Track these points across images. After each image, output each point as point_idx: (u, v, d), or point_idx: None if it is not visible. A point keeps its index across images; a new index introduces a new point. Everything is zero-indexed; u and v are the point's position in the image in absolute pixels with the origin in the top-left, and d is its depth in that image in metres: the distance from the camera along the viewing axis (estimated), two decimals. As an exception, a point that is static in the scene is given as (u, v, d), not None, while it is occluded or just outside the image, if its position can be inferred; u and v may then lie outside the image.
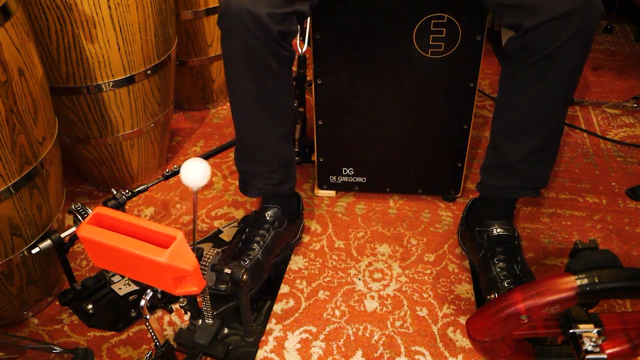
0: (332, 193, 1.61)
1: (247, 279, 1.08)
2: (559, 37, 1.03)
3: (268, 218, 1.33)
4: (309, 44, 1.41)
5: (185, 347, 1.17)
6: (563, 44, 1.03)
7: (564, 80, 1.10)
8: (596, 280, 0.78)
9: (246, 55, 1.12)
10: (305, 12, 1.18)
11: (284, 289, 1.35)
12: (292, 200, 1.41)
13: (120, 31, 1.36)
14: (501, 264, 1.22)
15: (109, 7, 1.31)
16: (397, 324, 1.25)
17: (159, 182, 1.46)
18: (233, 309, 1.22)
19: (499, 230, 1.28)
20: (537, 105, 1.13)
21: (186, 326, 1.22)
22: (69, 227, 1.20)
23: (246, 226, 1.34)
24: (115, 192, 1.28)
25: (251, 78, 1.16)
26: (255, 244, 1.29)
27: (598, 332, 0.85)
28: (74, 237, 1.20)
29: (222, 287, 1.19)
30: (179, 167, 1.46)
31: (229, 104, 1.53)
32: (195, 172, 0.99)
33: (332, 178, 1.57)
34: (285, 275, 1.38)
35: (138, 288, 1.23)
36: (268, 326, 1.26)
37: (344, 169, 1.55)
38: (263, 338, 1.23)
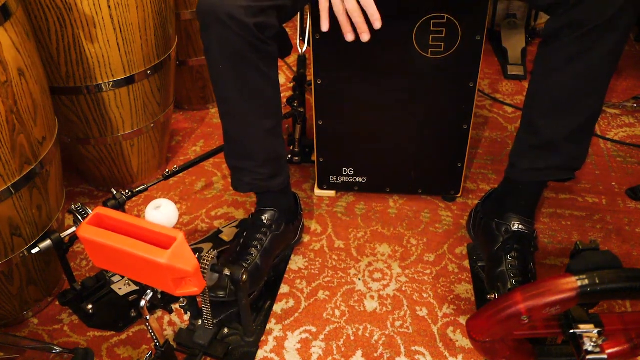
0: (332, 193, 1.61)
1: (247, 279, 1.08)
2: (608, 10, 1.02)
3: (265, 221, 1.32)
4: (309, 44, 1.41)
5: (185, 347, 1.17)
6: (612, 16, 1.02)
7: (611, 51, 1.08)
8: (597, 281, 0.78)
9: (223, 49, 1.12)
10: (287, 6, 1.17)
11: (284, 289, 1.35)
12: (288, 200, 1.40)
13: (120, 31, 1.36)
14: (514, 261, 1.22)
15: (109, 7, 1.31)
16: (397, 324, 1.25)
17: (159, 182, 1.46)
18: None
19: (520, 226, 1.27)
20: (583, 80, 1.12)
21: (186, 326, 1.22)
22: (69, 227, 1.20)
23: (244, 230, 1.34)
24: (115, 192, 1.28)
25: (231, 71, 1.16)
26: (254, 249, 1.28)
27: (598, 333, 0.85)
28: (74, 237, 1.20)
29: (221, 293, 1.20)
30: (178, 168, 1.47)
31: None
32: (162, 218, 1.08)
33: (332, 178, 1.57)
34: (285, 275, 1.38)
35: (138, 288, 1.24)
36: (268, 326, 1.26)
37: (344, 169, 1.54)
38: (263, 338, 1.23)
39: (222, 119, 1.26)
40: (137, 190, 1.35)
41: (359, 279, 1.36)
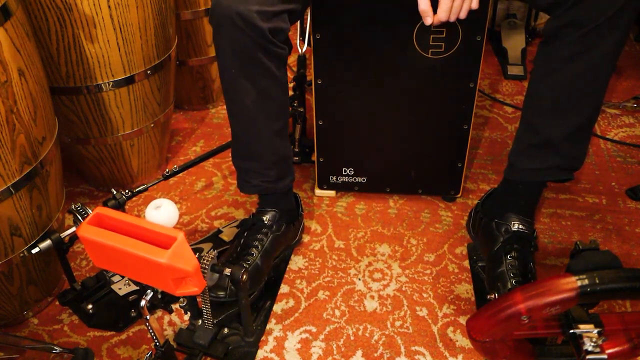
0: (332, 193, 1.61)
1: (247, 279, 1.08)
2: (608, 9, 1.02)
3: (266, 222, 1.33)
4: (309, 44, 1.41)
5: (185, 347, 1.17)
6: (612, 15, 1.03)
7: (611, 51, 1.09)
8: (597, 281, 0.78)
9: (236, 52, 1.13)
10: (298, 10, 1.18)
11: (284, 289, 1.35)
12: (290, 201, 1.40)
13: (120, 31, 1.36)
14: (514, 261, 1.22)
15: (109, 7, 1.31)
16: (397, 324, 1.25)
17: (159, 182, 1.46)
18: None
19: (520, 226, 1.27)
20: (583, 79, 1.12)
21: (186, 326, 1.22)
22: (69, 227, 1.20)
23: (244, 230, 1.34)
24: (115, 192, 1.28)
25: (242, 74, 1.16)
26: (254, 249, 1.29)
27: (598, 333, 0.85)
28: (74, 237, 1.20)
29: (221, 293, 1.20)
30: (178, 168, 1.47)
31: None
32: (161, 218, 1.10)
33: (332, 178, 1.57)
34: (285, 275, 1.38)
35: (138, 288, 1.24)
36: (268, 326, 1.26)
37: (344, 169, 1.54)
38: (263, 338, 1.23)
39: (230, 120, 1.26)
40: (137, 190, 1.35)
41: (359, 279, 1.36)
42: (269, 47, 1.13)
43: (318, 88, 1.40)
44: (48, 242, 1.17)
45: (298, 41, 1.72)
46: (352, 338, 1.23)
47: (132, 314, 1.26)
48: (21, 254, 1.18)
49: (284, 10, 1.13)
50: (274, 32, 1.12)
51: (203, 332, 1.17)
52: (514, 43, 2.23)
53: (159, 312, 1.29)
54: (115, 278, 1.26)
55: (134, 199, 1.52)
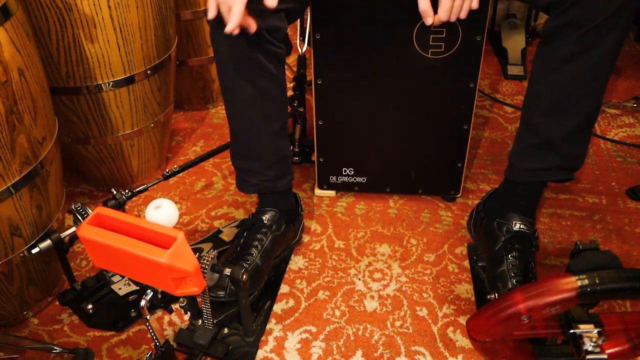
0: (332, 193, 1.61)
1: (247, 279, 1.08)
2: (607, 9, 1.02)
3: (266, 222, 1.33)
4: (309, 44, 1.41)
5: (185, 347, 1.18)
6: (611, 15, 1.03)
7: (610, 51, 1.09)
8: (597, 281, 0.78)
9: (233, 52, 1.13)
10: (296, 9, 1.18)
11: (284, 289, 1.35)
12: (290, 201, 1.40)
13: (120, 31, 1.36)
14: (515, 261, 1.22)
15: (109, 7, 1.31)
16: (397, 324, 1.25)
17: (159, 182, 1.46)
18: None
19: (521, 226, 1.27)
20: (583, 79, 1.12)
21: (186, 326, 1.22)
22: (69, 227, 1.20)
23: (244, 230, 1.34)
24: (115, 192, 1.28)
25: (240, 74, 1.16)
26: (254, 249, 1.29)
27: (598, 333, 0.85)
28: (74, 237, 1.20)
29: (221, 293, 1.20)
30: (178, 168, 1.47)
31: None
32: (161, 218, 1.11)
33: (332, 178, 1.57)
34: (285, 275, 1.38)
35: (138, 288, 1.24)
36: (268, 326, 1.26)
37: (344, 169, 1.54)
38: (263, 338, 1.23)
39: (229, 120, 1.26)
40: (137, 190, 1.35)
41: (359, 279, 1.36)
42: (266, 47, 1.13)
43: (318, 88, 1.40)
44: (48, 242, 1.17)
45: (298, 41, 1.72)
46: (352, 338, 1.23)
47: (132, 314, 1.26)
48: (21, 254, 1.18)
49: (280, 9, 1.13)
50: (270, 30, 1.12)
51: (203, 332, 1.17)
52: (514, 43, 2.23)
53: (159, 312, 1.29)
54: (115, 278, 1.26)
55: (134, 199, 1.52)
